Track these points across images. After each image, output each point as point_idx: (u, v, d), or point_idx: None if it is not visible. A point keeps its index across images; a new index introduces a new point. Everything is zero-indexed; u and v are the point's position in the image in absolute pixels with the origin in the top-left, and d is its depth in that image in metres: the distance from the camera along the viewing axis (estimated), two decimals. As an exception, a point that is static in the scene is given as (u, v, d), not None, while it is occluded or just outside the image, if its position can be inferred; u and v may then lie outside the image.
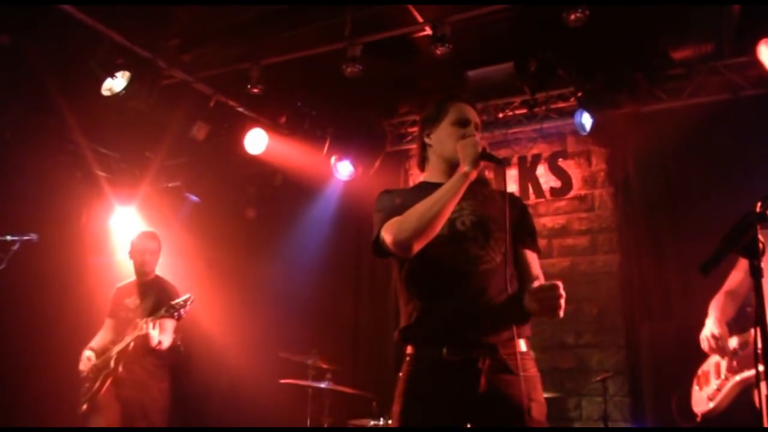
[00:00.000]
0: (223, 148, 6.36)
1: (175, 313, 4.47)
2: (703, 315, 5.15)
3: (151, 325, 4.49)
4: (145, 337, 4.53)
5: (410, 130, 6.86)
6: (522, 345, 2.56)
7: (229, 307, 6.50)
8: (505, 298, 2.53)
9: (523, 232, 2.76)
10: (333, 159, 6.43)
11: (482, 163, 2.54)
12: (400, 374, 2.63)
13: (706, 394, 3.79)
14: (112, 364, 4.61)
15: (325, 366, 5.65)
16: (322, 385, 5.49)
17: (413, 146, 6.92)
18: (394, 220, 2.53)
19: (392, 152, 6.91)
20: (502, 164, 2.55)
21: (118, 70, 5.26)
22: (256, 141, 6.44)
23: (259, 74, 5.66)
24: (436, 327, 2.54)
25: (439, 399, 2.49)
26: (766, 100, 5.40)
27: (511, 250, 2.61)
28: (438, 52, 5.12)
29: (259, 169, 6.70)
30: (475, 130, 2.70)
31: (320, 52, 5.51)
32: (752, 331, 3.13)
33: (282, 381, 5.52)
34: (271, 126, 6.51)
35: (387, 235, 2.52)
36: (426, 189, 2.60)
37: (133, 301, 4.98)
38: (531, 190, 6.50)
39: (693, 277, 4.95)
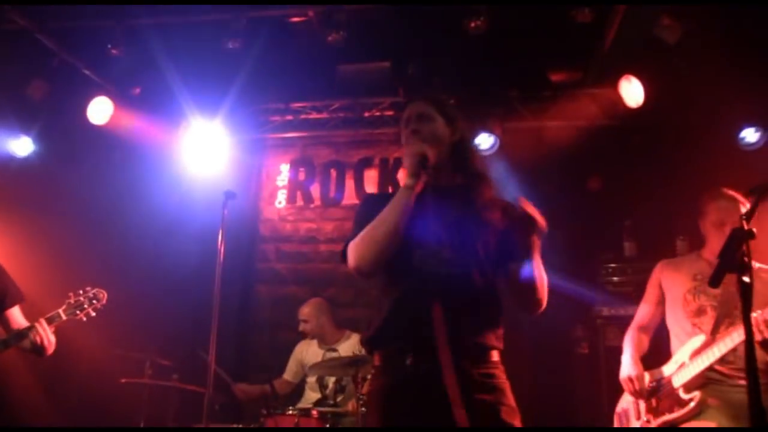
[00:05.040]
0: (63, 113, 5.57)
1: (84, 312, 3.71)
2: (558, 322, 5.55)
3: (48, 330, 3.61)
4: (41, 346, 3.59)
5: (271, 118, 6.55)
6: (493, 355, 2.43)
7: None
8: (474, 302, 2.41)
9: (513, 246, 2.46)
10: (191, 137, 5.93)
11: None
12: (366, 389, 2.64)
13: None
14: None
15: (165, 363, 5.18)
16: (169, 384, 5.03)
17: (272, 135, 6.69)
18: (353, 242, 2.43)
19: (251, 139, 6.55)
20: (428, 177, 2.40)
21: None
22: (100, 110, 5.75)
23: (122, 35, 5.04)
24: (398, 335, 2.39)
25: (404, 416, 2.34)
26: (613, 131, 5.88)
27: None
28: (330, 38, 4.92)
29: (101, 141, 5.95)
30: (417, 121, 2.53)
31: (199, 20, 5.05)
32: (663, 368, 3.53)
33: (123, 380, 4.97)
34: (121, 96, 5.83)
35: (348, 258, 2.45)
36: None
37: None
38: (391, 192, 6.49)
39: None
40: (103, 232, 6.03)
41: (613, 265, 5.34)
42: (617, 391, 3.79)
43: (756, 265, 3.55)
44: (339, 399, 5.00)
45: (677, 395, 3.46)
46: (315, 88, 6.23)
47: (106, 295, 3.83)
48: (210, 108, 5.94)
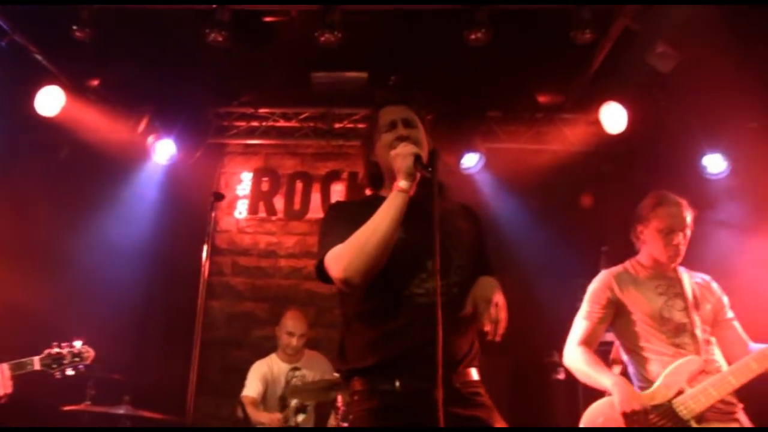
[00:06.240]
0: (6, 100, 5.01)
1: (60, 369, 3.28)
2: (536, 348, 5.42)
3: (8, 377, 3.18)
4: None
5: (235, 123, 6.18)
6: (474, 374, 2.34)
7: None
8: (459, 326, 2.29)
9: (481, 256, 2.46)
10: (151, 138, 5.47)
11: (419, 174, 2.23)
12: (351, 416, 2.33)
13: None
14: None
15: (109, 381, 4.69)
16: (120, 411, 4.52)
17: (234, 141, 6.31)
18: (337, 250, 2.22)
19: (211, 144, 6.13)
20: (430, 176, 2.21)
21: None
22: (50, 101, 5.23)
23: (89, 17, 4.58)
24: (388, 361, 2.25)
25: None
26: (592, 157, 5.90)
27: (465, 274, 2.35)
28: (322, 39, 4.64)
29: (47, 136, 5.41)
30: (405, 127, 2.40)
31: (175, 8, 4.68)
32: (651, 392, 3.21)
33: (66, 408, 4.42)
34: (76, 87, 5.32)
35: (330, 270, 2.24)
36: (378, 204, 2.28)
37: None
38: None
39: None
40: (42, 235, 5.46)
41: (590, 290, 5.28)
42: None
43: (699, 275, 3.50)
44: (300, 419, 4.77)
45: (689, 428, 3.13)
46: (285, 94, 5.94)
47: (93, 354, 3.41)
48: (172, 108, 5.53)
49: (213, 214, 3.75)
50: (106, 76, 5.30)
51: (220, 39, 4.59)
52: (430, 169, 2.21)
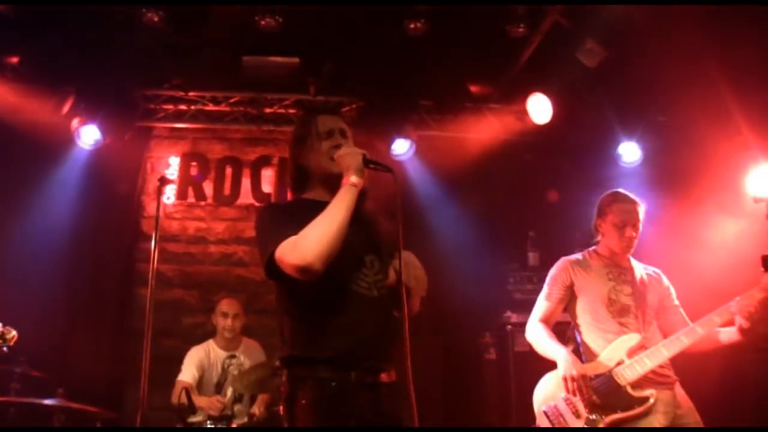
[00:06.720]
0: None
1: None
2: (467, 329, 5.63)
3: None
4: None
5: (163, 106, 6.01)
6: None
7: None
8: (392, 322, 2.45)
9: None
10: (75, 122, 5.24)
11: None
12: (303, 401, 2.37)
13: None
14: None
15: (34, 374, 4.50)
16: (50, 402, 4.36)
17: (161, 125, 6.16)
18: (291, 242, 2.32)
19: (138, 127, 5.94)
20: (388, 171, 2.46)
21: None
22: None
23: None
24: (342, 352, 2.39)
25: (350, 422, 2.35)
26: (510, 146, 6.15)
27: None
28: (263, 22, 4.61)
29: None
30: (342, 137, 2.62)
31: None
32: (595, 364, 3.63)
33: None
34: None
35: (287, 258, 2.30)
36: (313, 206, 2.44)
37: None
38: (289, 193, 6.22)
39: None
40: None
41: (518, 273, 5.53)
42: (526, 394, 3.87)
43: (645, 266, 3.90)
44: (236, 408, 4.80)
45: (625, 393, 3.54)
46: (216, 78, 5.82)
47: (16, 336, 3.25)
48: (98, 89, 5.33)
49: (160, 199, 3.65)
50: (27, 53, 5.02)
51: (156, 19, 4.48)
52: (382, 167, 2.42)
